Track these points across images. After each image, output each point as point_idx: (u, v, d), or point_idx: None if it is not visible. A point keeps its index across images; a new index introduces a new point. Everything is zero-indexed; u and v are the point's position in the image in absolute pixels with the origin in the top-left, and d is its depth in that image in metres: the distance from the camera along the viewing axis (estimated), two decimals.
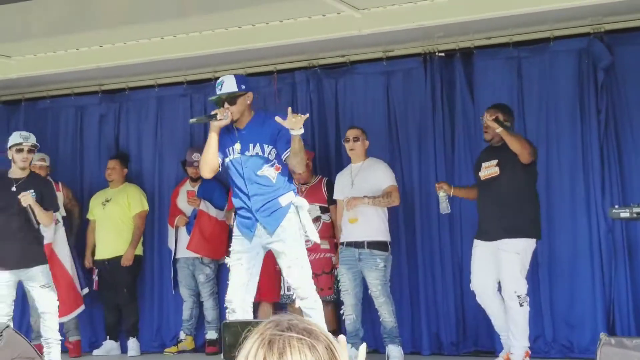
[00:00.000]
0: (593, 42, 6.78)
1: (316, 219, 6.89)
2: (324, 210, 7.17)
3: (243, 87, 5.51)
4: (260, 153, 5.46)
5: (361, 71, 7.57)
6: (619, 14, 6.63)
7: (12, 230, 6.41)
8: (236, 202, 5.61)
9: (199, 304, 7.87)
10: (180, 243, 7.80)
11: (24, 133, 6.56)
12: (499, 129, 5.97)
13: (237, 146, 5.48)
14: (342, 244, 6.75)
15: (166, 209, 8.06)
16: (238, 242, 5.58)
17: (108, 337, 7.94)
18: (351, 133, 6.85)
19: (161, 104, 8.39)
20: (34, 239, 6.52)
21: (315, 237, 5.60)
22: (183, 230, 7.82)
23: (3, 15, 5.95)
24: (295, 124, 5.23)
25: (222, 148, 5.51)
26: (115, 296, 7.92)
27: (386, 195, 6.65)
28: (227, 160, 5.55)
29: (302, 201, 5.61)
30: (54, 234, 7.64)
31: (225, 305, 5.58)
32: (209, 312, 7.71)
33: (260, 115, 5.62)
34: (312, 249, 6.48)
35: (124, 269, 7.84)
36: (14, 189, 6.40)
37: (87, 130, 8.62)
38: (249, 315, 5.54)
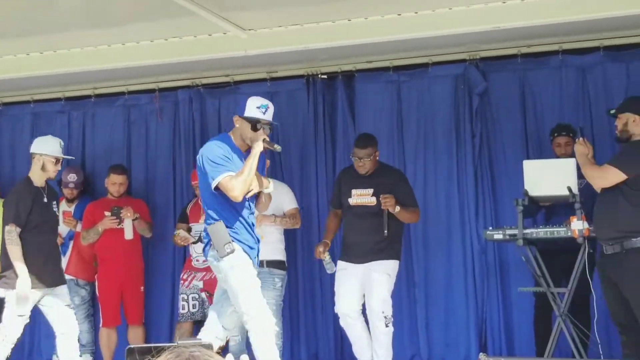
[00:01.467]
0: (469, 68, 6.98)
1: None
2: None
3: None
4: None
5: (245, 91, 7.52)
6: (493, 42, 6.85)
7: (52, 246, 6.12)
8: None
9: None
10: None
11: (61, 142, 6.20)
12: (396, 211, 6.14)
13: None
14: None
15: None
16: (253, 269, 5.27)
17: None
18: None
19: (37, 120, 8.16)
20: (59, 255, 6.34)
21: None
22: None
23: None
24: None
25: (237, 169, 5.18)
26: None
27: (291, 216, 6.64)
28: None
29: None
30: None
31: (233, 335, 5.35)
32: (84, 335, 7.46)
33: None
34: (207, 269, 6.54)
35: None
36: (45, 200, 6.06)
37: None
38: None
